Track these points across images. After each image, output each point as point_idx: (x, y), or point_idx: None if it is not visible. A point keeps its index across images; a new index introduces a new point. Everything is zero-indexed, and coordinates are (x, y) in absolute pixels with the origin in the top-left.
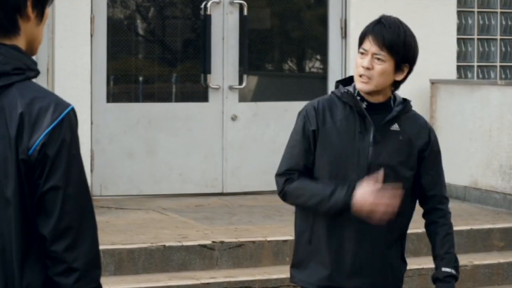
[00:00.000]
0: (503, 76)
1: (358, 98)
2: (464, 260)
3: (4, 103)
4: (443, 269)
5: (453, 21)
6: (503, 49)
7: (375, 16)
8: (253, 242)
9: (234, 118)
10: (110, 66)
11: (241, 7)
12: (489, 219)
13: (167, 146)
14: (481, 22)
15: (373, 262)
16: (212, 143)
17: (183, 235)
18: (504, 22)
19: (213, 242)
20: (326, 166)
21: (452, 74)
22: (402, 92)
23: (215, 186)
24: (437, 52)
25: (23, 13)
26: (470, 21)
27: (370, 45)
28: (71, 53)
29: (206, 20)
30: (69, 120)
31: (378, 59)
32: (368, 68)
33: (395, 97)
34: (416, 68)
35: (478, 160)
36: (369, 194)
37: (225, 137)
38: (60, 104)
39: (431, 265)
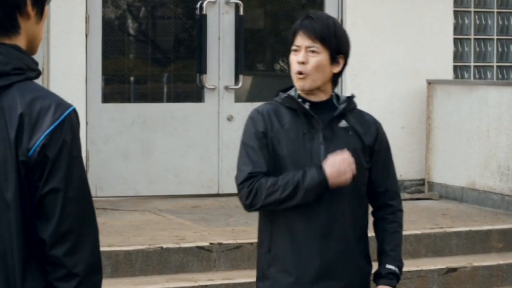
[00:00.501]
0: (500, 76)
1: (300, 100)
2: (463, 261)
3: (4, 103)
4: (387, 266)
5: (450, 20)
6: (500, 49)
7: (371, 16)
8: (251, 243)
9: (230, 118)
10: (105, 66)
11: (237, 6)
12: (488, 220)
13: (162, 146)
14: (477, 22)
15: (339, 263)
16: (208, 143)
17: (180, 237)
18: (501, 22)
19: (211, 243)
20: (281, 169)
21: (449, 74)
22: (396, 91)
23: (211, 187)
24: (433, 52)
25: (23, 11)
26: (466, 21)
27: (302, 40)
28: (66, 53)
29: (202, 20)
30: (70, 121)
31: (313, 51)
32: (303, 63)
33: (338, 96)
34: (412, 68)
35: (475, 160)
36: (337, 161)
37: (221, 138)
38: (61, 104)
39: (431, 266)
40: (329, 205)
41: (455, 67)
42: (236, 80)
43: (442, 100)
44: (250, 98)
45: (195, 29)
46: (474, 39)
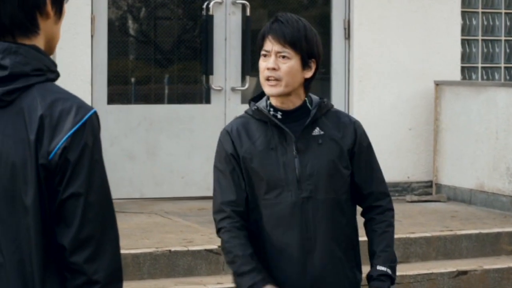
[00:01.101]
0: (507, 77)
1: (271, 110)
2: (473, 264)
3: (23, 105)
4: (378, 267)
5: (457, 21)
6: (508, 50)
7: (377, 17)
8: None
9: None
10: (111, 67)
11: (243, 7)
12: (497, 222)
13: (168, 148)
14: (485, 22)
15: (326, 279)
16: (214, 145)
17: (189, 240)
18: (508, 23)
19: (219, 247)
20: (258, 188)
21: (456, 75)
22: (404, 93)
23: None
24: (440, 53)
25: (43, 11)
26: (474, 22)
27: (271, 45)
28: (71, 54)
29: (208, 21)
30: (92, 124)
31: (283, 57)
32: (274, 69)
33: (311, 99)
34: (419, 69)
35: (484, 162)
36: None
37: None
38: (83, 107)
39: (441, 269)
40: (304, 224)
41: (462, 68)
42: (243, 81)
43: (450, 101)
44: None
45: (201, 30)
46: (482, 40)
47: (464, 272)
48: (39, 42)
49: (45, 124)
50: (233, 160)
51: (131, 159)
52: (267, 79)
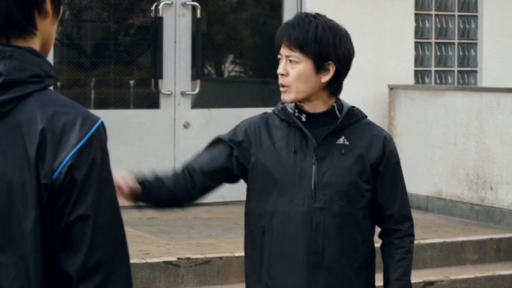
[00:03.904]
0: (461, 81)
1: (296, 111)
2: (439, 274)
3: (21, 117)
4: None
5: (411, 24)
6: (461, 53)
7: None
8: (220, 258)
9: (186, 125)
10: (58, 71)
11: (193, 8)
12: (459, 230)
13: (117, 155)
14: (438, 25)
15: None
16: (164, 151)
17: (145, 251)
18: (462, 26)
19: (178, 258)
20: (268, 192)
21: (410, 79)
22: (357, 97)
23: None
24: (394, 57)
25: (42, 8)
26: (427, 24)
27: (282, 49)
28: None
29: (158, 23)
30: (99, 137)
31: (292, 61)
32: (283, 75)
33: (342, 105)
34: (373, 73)
35: (442, 168)
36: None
37: (177, 146)
38: (88, 117)
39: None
40: (313, 236)
41: (415, 72)
42: (193, 85)
43: (406, 106)
44: (207, 104)
45: (150, 32)
46: (435, 43)
47: (431, 283)
48: (35, 44)
49: (47, 139)
50: (230, 146)
51: None
52: (280, 85)
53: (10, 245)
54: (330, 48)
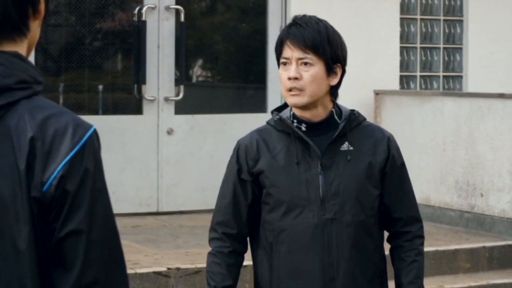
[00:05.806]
0: (446, 86)
1: (295, 121)
2: (432, 284)
3: (9, 126)
4: None
5: (396, 29)
6: (446, 58)
7: None
8: None
9: (170, 131)
10: None
11: (177, 12)
12: (451, 238)
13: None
14: (423, 30)
15: None
16: (147, 158)
17: (134, 261)
18: (447, 30)
19: (168, 268)
20: (278, 206)
21: (395, 85)
22: (342, 103)
23: (150, 205)
24: (379, 62)
25: (36, 8)
26: (412, 29)
27: (291, 51)
28: None
29: (141, 27)
30: (92, 145)
31: (305, 63)
32: (296, 78)
33: (340, 110)
34: (359, 78)
35: (430, 175)
36: None
37: (160, 152)
38: (80, 124)
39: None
40: (327, 248)
41: (401, 77)
42: (177, 91)
43: (392, 111)
44: (191, 110)
45: (133, 36)
46: (420, 47)
47: None
48: (23, 47)
49: (36, 148)
50: (243, 177)
51: None
52: (290, 90)
53: (4, 264)
54: (338, 49)
